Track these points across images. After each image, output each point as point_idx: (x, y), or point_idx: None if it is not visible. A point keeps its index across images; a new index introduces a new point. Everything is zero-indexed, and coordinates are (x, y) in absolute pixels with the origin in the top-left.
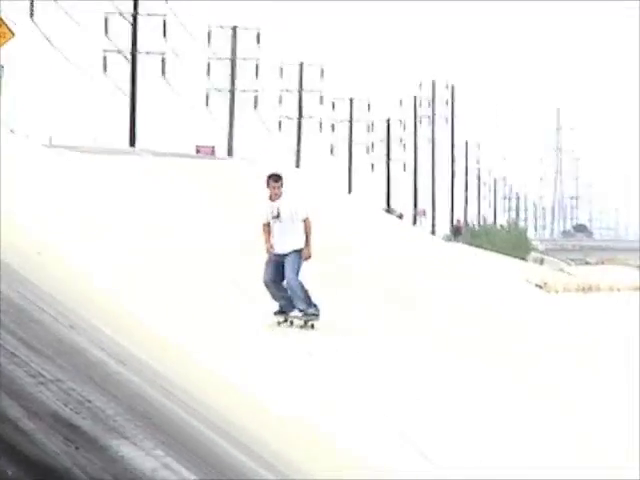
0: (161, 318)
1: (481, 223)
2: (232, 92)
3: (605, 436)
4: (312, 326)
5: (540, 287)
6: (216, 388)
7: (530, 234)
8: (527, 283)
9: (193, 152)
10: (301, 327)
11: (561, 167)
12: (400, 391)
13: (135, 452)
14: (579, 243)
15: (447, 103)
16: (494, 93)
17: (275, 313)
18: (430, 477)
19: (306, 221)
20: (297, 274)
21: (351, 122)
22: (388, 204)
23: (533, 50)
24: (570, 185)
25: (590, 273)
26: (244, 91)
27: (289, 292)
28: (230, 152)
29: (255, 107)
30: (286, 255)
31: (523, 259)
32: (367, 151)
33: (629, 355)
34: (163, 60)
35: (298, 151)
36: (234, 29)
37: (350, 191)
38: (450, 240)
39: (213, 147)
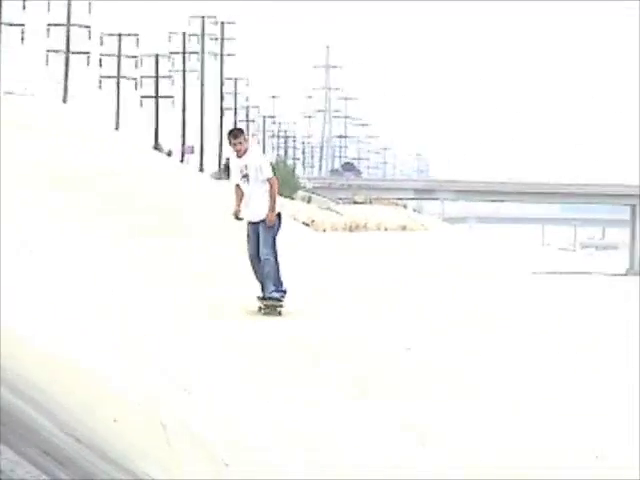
0: None
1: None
2: None
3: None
4: (280, 313)
5: (307, 225)
6: None
7: (298, 172)
8: (294, 221)
9: None
10: (265, 314)
11: (330, 105)
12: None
13: None
14: (347, 182)
15: (217, 40)
16: (265, 30)
17: (259, 298)
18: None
19: (271, 181)
20: (273, 249)
21: (119, 57)
22: (156, 141)
23: None
24: (339, 124)
25: (358, 212)
26: (10, 24)
27: (262, 268)
28: None
29: (22, 41)
30: (258, 224)
31: (291, 197)
32: (135, 87)
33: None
34: None
35: (65, 86)
36: None
37: (117, 127)
38: (221, 178)
39: None
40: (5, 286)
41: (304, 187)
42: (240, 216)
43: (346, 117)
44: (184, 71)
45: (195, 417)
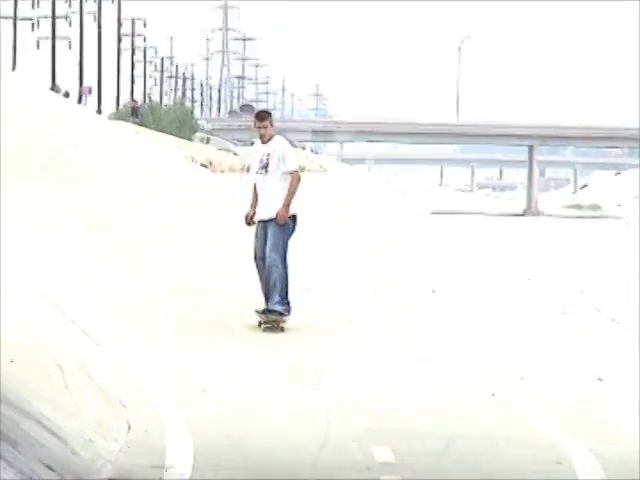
0: None
1: (147, 102)
2: None
3: None
4: (282, 329)
5: (205, 167)
6: None
7: (197, 114)
8: (192, 162)
9: None
10: (265, 330)
11: (228, 47)
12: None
13: None
14: (245, 123)
15: None
16: None
17: (258, 312)
18: None
19: (293, 175)
20: (281, 253)
21: None
22: (54, 82)
23: None
24: (237, 65)
25: None
26: None
27: (267, 276)
28: None
29: None
30: (268, 222)
31: (189, 139)
32: (32, 28)
33: None
34: None
35: None
36: None
37: (14, 68)
38: (127, 120)
39: None
40: None
41: (202, 128)
42: (254, 219)
43: (244, 58)
44: (81, 12)
45: (92, 360)
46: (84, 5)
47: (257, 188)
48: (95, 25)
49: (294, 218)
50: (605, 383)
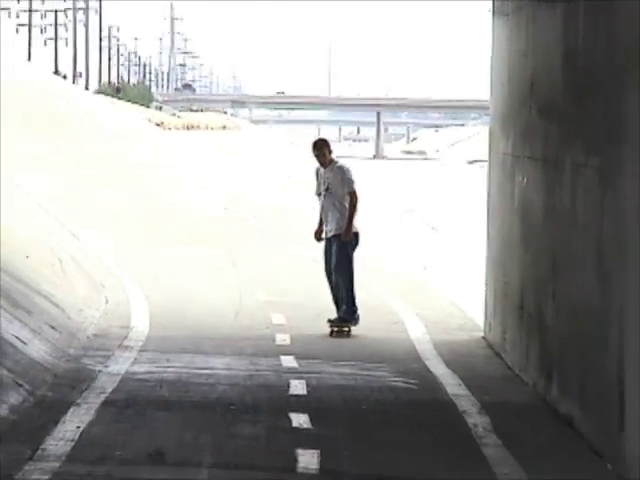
0: None
1: (120, 82)
2: None
3: None
4: (348, 334)
5: (158, 125)
6: None
7: (152, 90)
8: (149, 122)
9: None
10: (335, 335)
11: (174, 44)
12: None
13: None
14: (186, 97)
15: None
16: None
17: (329, 321)
18: None
19: (352, 195)
20: (345, 267)
21: (30, 12)
22: (56, 68)
23: None
24: (180, 56)
25: (193, 117)
26: None
27: (336, 288)
28: None
29: None
30: (332, 239)
31: (147, 107)
32: (41, 32)
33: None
34: None
35: None
36: None
37: (30, 58)
38: (112, 96)
39: None
40: None
41: (156, 100)
42: (322, 236)
43: (185, 52)
44: (74, 20)
45: (81, 254)
46: (76, 15)
47: (321, 208)
48: (84, 30)
49: (356, 234)
50: (428, 270)
